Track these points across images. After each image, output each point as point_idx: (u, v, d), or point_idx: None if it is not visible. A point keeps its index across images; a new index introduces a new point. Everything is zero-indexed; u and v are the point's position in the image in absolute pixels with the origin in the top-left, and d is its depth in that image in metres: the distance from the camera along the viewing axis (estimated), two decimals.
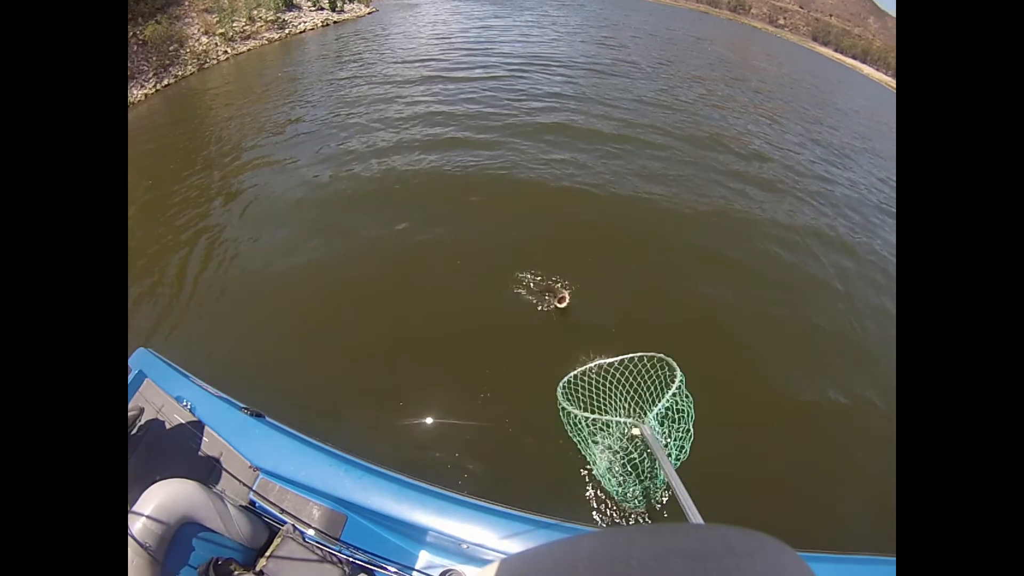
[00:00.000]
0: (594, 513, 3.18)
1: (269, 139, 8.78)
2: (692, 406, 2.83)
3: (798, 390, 4.15)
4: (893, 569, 1.91)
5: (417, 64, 13.39)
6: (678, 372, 3.10)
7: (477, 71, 12.61)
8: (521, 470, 3.35)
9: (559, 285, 4.68)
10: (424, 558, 2.04)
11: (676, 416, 2.80)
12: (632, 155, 8.10)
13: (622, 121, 9.61)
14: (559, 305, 4.42)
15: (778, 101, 14.65)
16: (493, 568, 0.36)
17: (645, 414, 2.77)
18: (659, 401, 2.94)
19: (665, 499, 3.07)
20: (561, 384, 3.59)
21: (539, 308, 4.51)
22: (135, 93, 14.55)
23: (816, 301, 5.32)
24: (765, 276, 5.49)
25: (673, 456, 2.65)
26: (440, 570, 1.98)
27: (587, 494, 3.25)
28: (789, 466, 3.64)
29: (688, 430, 2.75)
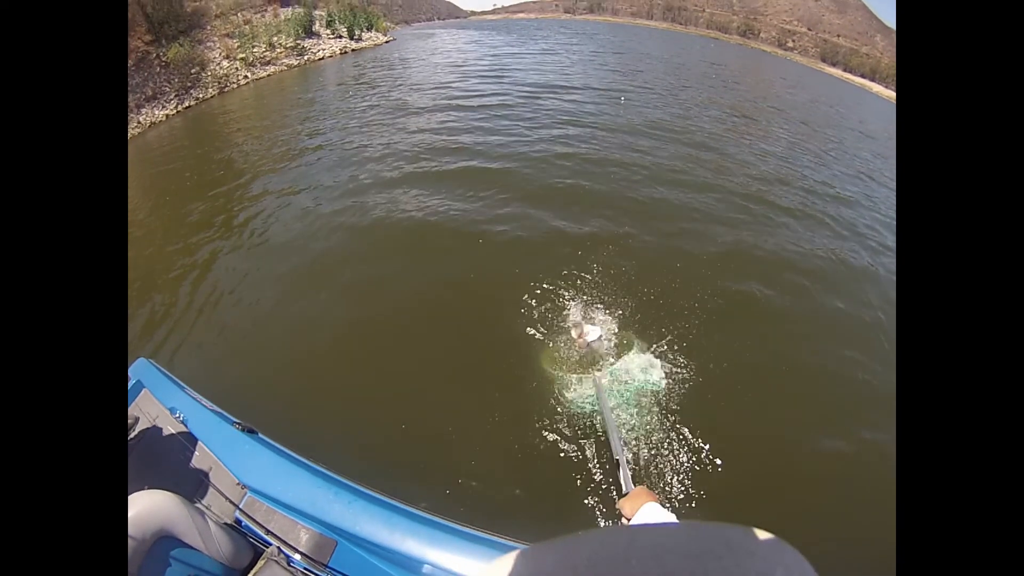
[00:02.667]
0: None
1: (283, 164, 8.90)
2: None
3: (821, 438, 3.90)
4: None
5: (432, 92, 13.62)
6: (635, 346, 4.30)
7: (490, 98, 12.75)
8: (528, 501, 3.19)
9: (579, 321, 4.34)
10: None
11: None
12: (650, 180, 8.00)
13: (639, 148, 9.52)
14: (579, 340, 4.06)
15: (795, 124, 14.54)
16: (499, 566, 0.34)
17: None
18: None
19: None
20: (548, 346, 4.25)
21: (549, 342, 4.34)
22: (156, 113, 15.01)
23: (848, 335, 5.01)
24: (791, 310, 5.22)
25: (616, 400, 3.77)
26: None
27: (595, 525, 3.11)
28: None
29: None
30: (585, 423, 3.66)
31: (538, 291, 4.89)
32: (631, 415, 3.79)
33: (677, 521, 1.64)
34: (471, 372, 4.09)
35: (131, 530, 1.48)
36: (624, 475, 1.99)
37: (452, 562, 1.80)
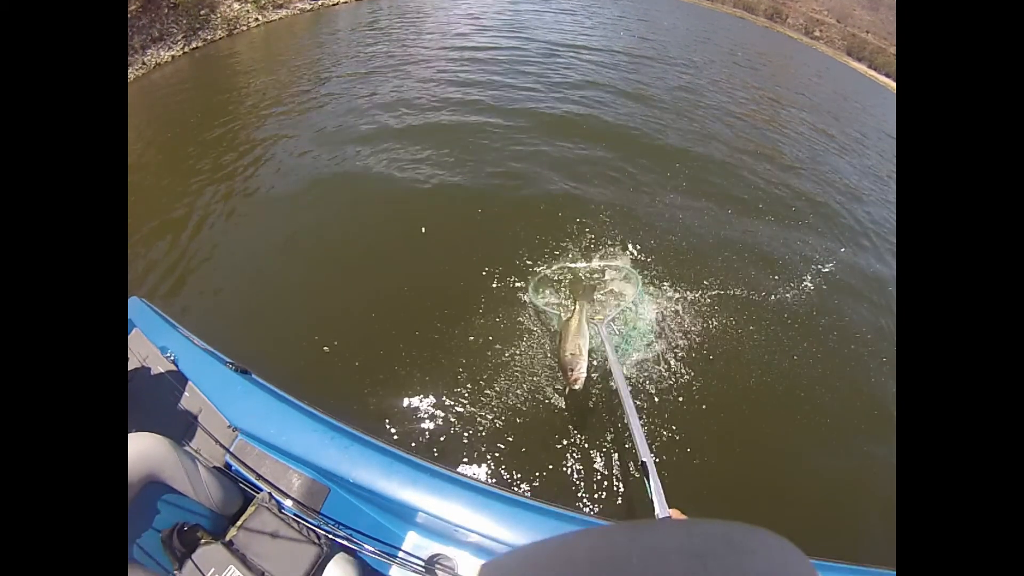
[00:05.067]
0: (597, 506, 2.99)
1: (288, 108, 8.61)
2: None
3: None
4: None
5: (447, 43, 13.12)
6: (639, 284, 4.22)
7: (507, 52, 12.24)
8: (526, 455, 3.18)
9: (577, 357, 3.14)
10: (411, 540, 1.86)
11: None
12: (668, 150, 7.72)
13: (658, 118, 9.14)
14: (572, 376, 3.03)
15: (820, 114, 13.82)
16: (502, 561, 0.33)
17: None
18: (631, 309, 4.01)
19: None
20: (534, 282, 4.17)
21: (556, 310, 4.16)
22: (162, 54, 14.54)
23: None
24: (802, 307, 4.91)
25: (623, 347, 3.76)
26: (428, 554, 1.82)
27: (594, 486, 3.07)
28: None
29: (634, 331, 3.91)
30: (599, 389, 3.59)
31: (537, 256, 4.73)
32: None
33: (680, 519, 1.52)
34: (470, 331, 3.97)
35: None
36: (655, 487, 1.62)
37: (449, 511, 1.74)
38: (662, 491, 1.59)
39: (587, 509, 2.96)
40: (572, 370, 2.93)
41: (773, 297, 4.85)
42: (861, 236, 6.90)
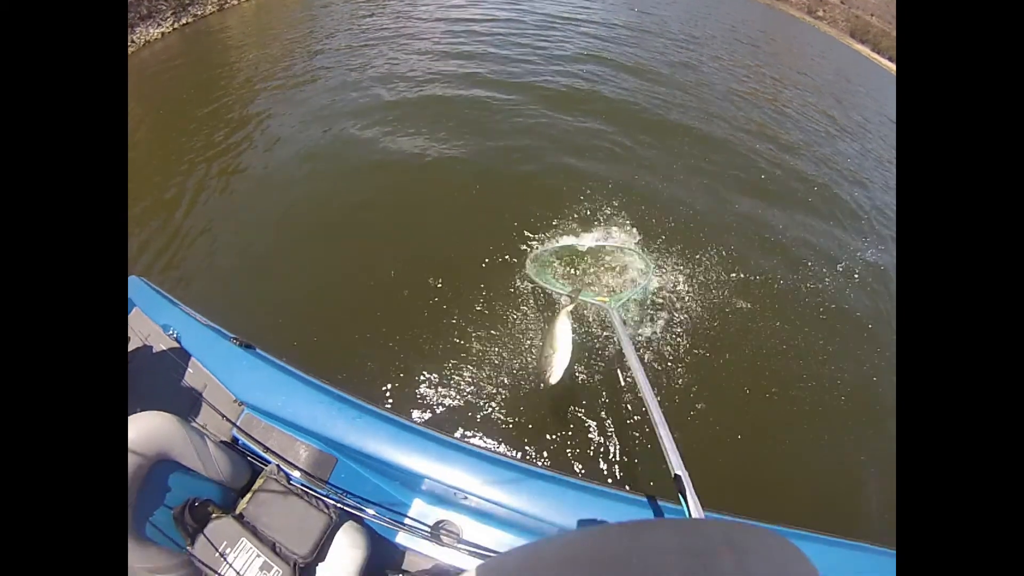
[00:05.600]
0: (601, 473, 2.99)
1: (280, 81, 8.47)
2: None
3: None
4: (893, 562, 1.78)
5: (444, 16, 12.81)
6: (647, 262, 4.08)
7: (504, 25, 12.01)
8: (531, 424, 3.20)
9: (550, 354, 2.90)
10: (417, 507, 1.89)
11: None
12: (669, 127, 7.60)
13: (658, 94, 8.96)
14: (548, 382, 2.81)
15: (822, 96, 13.56)
16: (503, 559, 0.33)
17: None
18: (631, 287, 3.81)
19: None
20: (531, 257, 4.08)
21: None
22: (151, 32, 14.20)
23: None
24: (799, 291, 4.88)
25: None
26: (434, 520, 1.85)
27: (594, 453, 3.10)
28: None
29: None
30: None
31: (537, 231, 4.68)
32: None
33: (681, 518, 1.48)
34: (470, 304, 3.95)
35: (129, 454, 1.38)
36: (693, 504, 1.42)
37: (453, 477, 1.77)
38: (700, 508, 1.40)
39: (590, 477, 2.98)
40: (544, 370, 2.85)
41: (781, 283, 4.82)
42: (863, 221, 6.83)
